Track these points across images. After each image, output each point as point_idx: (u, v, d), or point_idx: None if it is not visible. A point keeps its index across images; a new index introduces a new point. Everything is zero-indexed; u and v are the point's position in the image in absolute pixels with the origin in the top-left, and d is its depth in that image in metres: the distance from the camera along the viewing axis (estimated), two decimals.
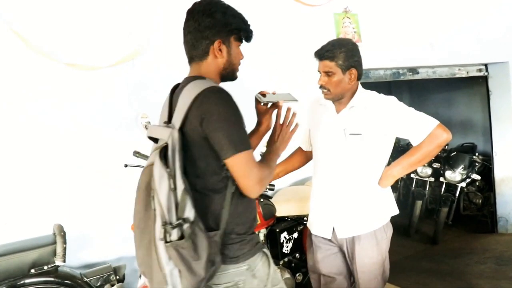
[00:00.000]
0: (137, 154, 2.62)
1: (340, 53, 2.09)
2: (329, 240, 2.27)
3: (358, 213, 2.19)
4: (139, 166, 2.55)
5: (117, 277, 2.64)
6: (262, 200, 2.76)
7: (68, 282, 2.43)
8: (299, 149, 2.52)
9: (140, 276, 2.52)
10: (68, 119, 2.81)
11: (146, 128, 2.57)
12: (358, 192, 2.19)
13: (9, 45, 2.64)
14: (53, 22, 2.75)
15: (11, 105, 2.66)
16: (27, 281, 2.32)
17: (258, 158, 1.60)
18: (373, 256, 2.20)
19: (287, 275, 2.84)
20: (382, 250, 2.22)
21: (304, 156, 2.51)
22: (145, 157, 2.58)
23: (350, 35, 3.59)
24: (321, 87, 2.16)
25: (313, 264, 2.37)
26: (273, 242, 2.84)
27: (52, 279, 2.38)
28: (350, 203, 2.18)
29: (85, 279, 2.52)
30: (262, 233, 2.80)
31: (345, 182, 2.18)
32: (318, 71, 2.18)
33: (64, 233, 2.42)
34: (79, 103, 2.83)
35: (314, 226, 2.34)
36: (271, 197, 2.84)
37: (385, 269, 2.28)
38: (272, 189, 2.61)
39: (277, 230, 2.83)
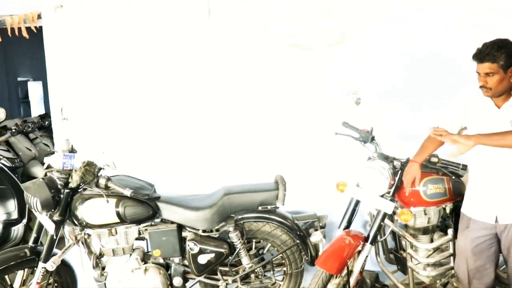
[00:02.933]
0: (345, 124, 3.02)
1: (502, 55, 2.23)
2: (490, 225, 2.47)
3: None
4: (348, 135, 2.98)
5: (320, 224, 3.18)
6: (453, 177, 2.97)
7: (283, 221, 3.05)
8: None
9: (339, 227, 3.01)
10: (288, 90, 3.42)
11: (356, 104, 2.97)
12: None
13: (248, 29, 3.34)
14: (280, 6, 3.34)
15: (233, 74, 3.39)
16: (255, 215, 3.02)
17: None
18: None
19: None
20: None
21: (441, 143, 2.64)
22: (352, 128, 3.00)
23: None
24: (481, 87, 2.33)
25: (464, 246, 2.61)
26: (457, 216, 3.02)
27: (272, 216, 3.03)
28: None
29: (296, 221, 3.12)
30: (448, 207, 3.02)
31: (510, 170, 2.36)
32: (477, 72, 2.34)
33: (285, 182, 3.05)
34: (299, 79, 3.42)
35: (476, 212, 2.55)
36: (462, 176, 3.03)
37: None
38: (464, 169, 2.82)
39: None
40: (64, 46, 3.24)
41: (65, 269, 3.02)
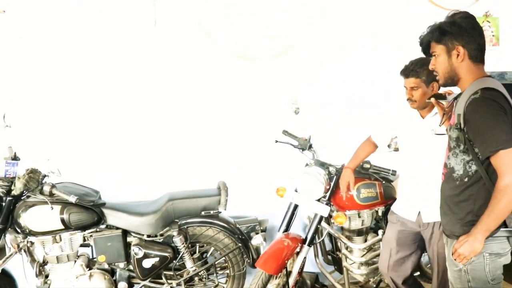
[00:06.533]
0: (285, 132, 3.17)
1: (424, 71, 2.49)
2: (414, 222, 2.69)
3: None
4: (287, 143, 3.13)
5: (261, 228, 3.32)
6: (384, 182, 3.19)
7: (225, 225, 3.16)
8: (373, 143, 2.97)
9: (279, 230, 3.16)
10: (231, 99, 3.59)
11: (295, 113, 3.13)
12: None
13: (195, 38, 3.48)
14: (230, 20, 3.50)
15: (186, 87, 3.52)
16: (198, 220, 3.12)
17: None
18: None
19: None
20: None
21: (373, 149, 2.99)
22: (292, 136, 3.16)
23: (488, 38, 3.72)
24: (408, 99, 2.59)
25: (390, 237, 2.82)
26: None
27: (215, 221, 3.14)
28: (436, 192, 2.47)
29: (237, 225, 3.24)
30: (380, 210, 3.25)
31: (432, 174, 2.51)
32: (405, 86, 2.60)
33: (227, 188, 3.17)
34: (244, 87, 3.57)
35: (402, 210, 2.78)
36: (392, 181, 3.25)
37: None
38: (394, 174, 3.05)
39: None
40: (5, 51, 3.24)
41: (5, 279, 3.01)
